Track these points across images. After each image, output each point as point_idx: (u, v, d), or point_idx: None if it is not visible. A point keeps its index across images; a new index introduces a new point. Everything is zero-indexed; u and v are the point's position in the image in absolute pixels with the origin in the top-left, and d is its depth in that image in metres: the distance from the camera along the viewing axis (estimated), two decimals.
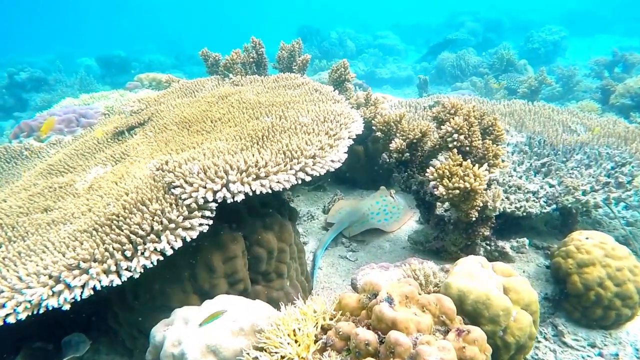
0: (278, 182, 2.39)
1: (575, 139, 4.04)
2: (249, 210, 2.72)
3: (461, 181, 2.61)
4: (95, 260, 2.06)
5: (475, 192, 2.60)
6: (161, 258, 2.15)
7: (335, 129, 2.96)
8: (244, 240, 2.61)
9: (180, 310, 2.24)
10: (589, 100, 7.55)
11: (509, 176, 3.73)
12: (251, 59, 4.70)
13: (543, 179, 3.73)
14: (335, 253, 3.76)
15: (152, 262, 2.11)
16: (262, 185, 2.34)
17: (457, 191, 2.62)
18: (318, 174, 2.55)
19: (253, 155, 2.54)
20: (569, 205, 3.36)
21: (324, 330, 1.92)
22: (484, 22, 18.22)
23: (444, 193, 2.66)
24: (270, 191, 2.37)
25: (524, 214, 3.25)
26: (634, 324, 2.97)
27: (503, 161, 2.99)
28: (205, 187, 2.27)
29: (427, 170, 2.84)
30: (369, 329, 1.82)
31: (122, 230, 2.18)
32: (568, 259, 3.00)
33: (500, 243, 3.21)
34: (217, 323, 2.09)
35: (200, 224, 2.25)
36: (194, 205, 2.26)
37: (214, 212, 2.31)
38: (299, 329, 1.89)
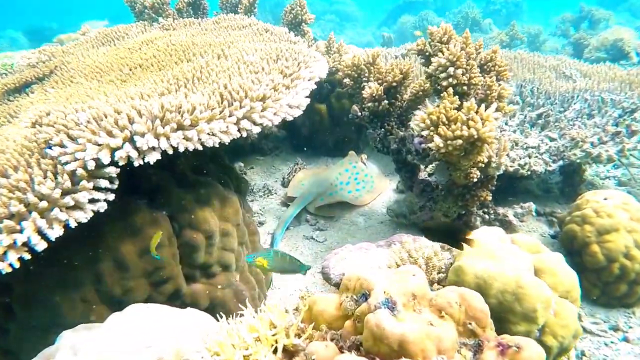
0: (212, 133, 1.64)
1: (572, 86, 3.48)
2: (176, 178, 1.95)
3: (464, 127, 1.94)
4: None
5: (484, 142, 1.94)
6: (27, 256, 1.36)
7: (293, 68, 2.22)
8: (170, 222, 1.85)
9: (70, 333, 1.48)
10: (561, 56, 7.12)
11: (501, 130, 3.12)
12: (187, 0, 3.82)
13: (540, 132, 3.15)
14: (299, 233, 3.06)
15: (11, 264, 1.33)
16: (186, 139, 1.58)
17: (459, 141, 1.95)
18: (270, 123, 1.81)
19: (176, 98, 1.76)
20: (578, 161, 2.80)
21: (289, 354, 1.22)
22: None
23: (441, 146, 1.99)
24: (200, 147, 1.62)
25: (529, 172, 2.66)
26: None
27: (509, 104, 2.37)
28: (97, 144, 1.49)
29: (415, 118, 2.16)
30: (358, 352, 1.14)
31: None
32: (585, 226, 2.44)
33: (501, 210, 2.61)
34: (122, 350, 1.35)
35: (93, 201, 1.48)
36: (81, 171, 1.47)
37: (115, 182, 1.54)
38: (248, 358, 1.18)
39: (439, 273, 1.70)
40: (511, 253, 1.61)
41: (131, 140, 1.51)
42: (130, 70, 2.60)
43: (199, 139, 1.61)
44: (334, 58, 3.64)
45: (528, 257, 1.63)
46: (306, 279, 2.59)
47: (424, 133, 2.08)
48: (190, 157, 2.07)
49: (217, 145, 1.66)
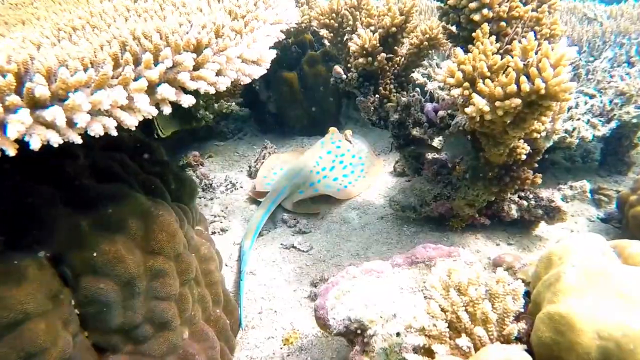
0: (101, 112, 0.87)
1: (600, 30, 2.83)
2: (64, 191, 1.18)
3: (523, 79, 1.23)
4: None
5: (553, 98, 1.24)
6: None
7: (247, 7, 1.45)
8: (54, 268, 1.09)
9: None
10: None
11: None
12: None
13: None
14: (275, 240, 2.33)
15: None
16: (44, 125, 0.81)
17: (516, 101, 1.25)
18: (212, 89, 1.06)
19: (32, 57, 0.98)
20: (634, 121, 2.16)
21: None
22: None
23: (486, 110, 1.28)
24: (77, 140, 0.85)
25: (578, 140, 2.00)
26: None
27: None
28: None
29: (438, 71, 1.44)
30: None
31: None
32: None
33: (545, 194, 1.94)
34: None
35: None
36: None
37: None
38: None
39: (517, 321, 1.01)
40: None
41: None
42: (8, 29, 1.79)
43: (75, 124, 0.85)
44: (303, 11, 2.86)
45: None
46: (291, 311, 1.87)
47: (455, 93, 1.37)
48: (91, 152, 1.30)
49: (114, 134, 0.90)
